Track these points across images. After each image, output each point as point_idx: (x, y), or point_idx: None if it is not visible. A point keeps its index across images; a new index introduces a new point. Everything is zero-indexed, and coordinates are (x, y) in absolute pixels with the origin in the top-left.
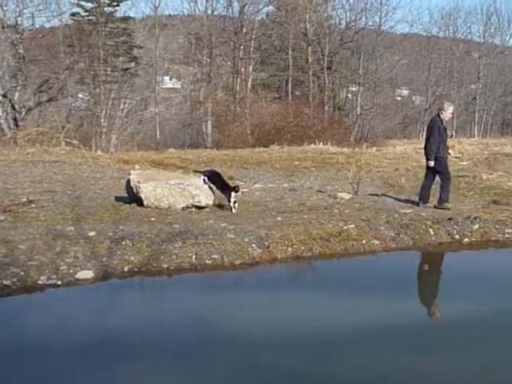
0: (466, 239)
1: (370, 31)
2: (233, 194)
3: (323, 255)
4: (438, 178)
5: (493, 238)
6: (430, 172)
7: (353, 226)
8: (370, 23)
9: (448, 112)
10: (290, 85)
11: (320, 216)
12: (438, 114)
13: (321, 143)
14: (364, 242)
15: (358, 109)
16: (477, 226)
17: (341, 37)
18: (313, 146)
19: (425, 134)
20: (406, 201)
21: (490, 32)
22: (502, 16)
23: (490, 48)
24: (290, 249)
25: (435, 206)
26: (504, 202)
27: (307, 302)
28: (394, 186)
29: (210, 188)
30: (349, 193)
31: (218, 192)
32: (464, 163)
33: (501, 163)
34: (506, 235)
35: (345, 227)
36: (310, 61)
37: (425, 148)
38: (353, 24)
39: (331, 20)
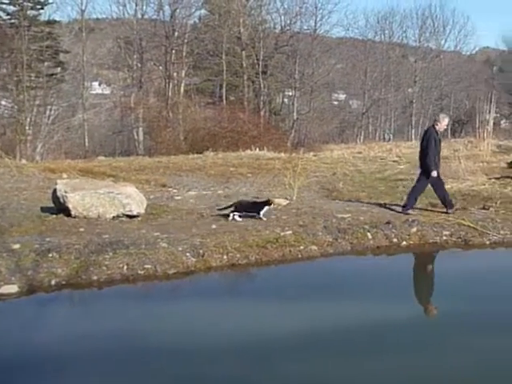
0: (404, 242)
1: (306, 35)
2: (266, 207)
3: (260, 262)
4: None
5: (430, 241)
6: (424, 180)
7: (290, 231)
8: (306, 27)
9: (443, 124)
10: (224, 90)
11: (256, 222)
12: (433, 126)
13: (257, 149)
14: (302, 247)
15: (295, 113)
16: (415, 229)
17: (276, 41)
18: (248, 151)
19: (419, 145)
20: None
21: (426, 36)
22: (437, 20)
23: (425, 52)
24: (225, 257)
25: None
26: (440, 204)
27: (242, 310)
28: (332, 190)
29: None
30: (286, 198)
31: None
32: (402, 166)
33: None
34: (444, 237)
35: (282, 233)
36: (244, 65)
37: (420, 159)
38: (288, 28)
39: (266, 24)
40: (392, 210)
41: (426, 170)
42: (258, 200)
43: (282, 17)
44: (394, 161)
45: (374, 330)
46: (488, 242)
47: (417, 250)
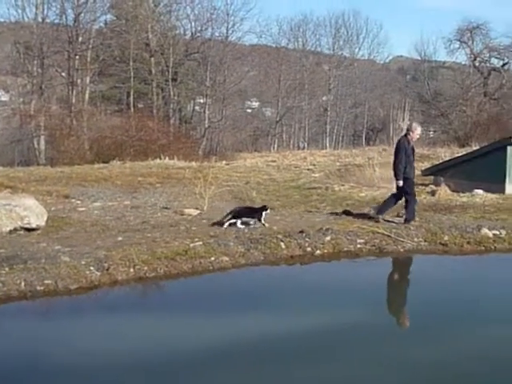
0: (318, 251)
1: (217, 42)
2: (264, 213)
3: (169, 275)
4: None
5: (345, 249)
6: (399, 191)
7: (200, 242)
8: (217, 34)
9: (415, 133)
10: (132, 97)
11: (165, 234)
12: (406, 135)
13: (166, 158)
14: (212, 259)
15: (206, 121)
16: (329, 238)
17: (186, 47)
18: (158, 160)
19: (393, 154)
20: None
21: (340, 44)
22: (351, 29)
23: (339, 60)
24: (132, 270)
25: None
26: (355, 212)
27: (148, 325)
28: (245, 199)
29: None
30: (196, 208)
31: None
32: (316, 175)
33: (352, 174)
34: (358, 245)
35: (192, 244)
36: (153, 72)
37: (393, 168)
38: (199, 34)
39: (175, 30)
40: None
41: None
42: (255, 206)
43: (193, 23)
44: (308, 169)
45: (288, 339)
46: (402, 250)
47: (331, 259)
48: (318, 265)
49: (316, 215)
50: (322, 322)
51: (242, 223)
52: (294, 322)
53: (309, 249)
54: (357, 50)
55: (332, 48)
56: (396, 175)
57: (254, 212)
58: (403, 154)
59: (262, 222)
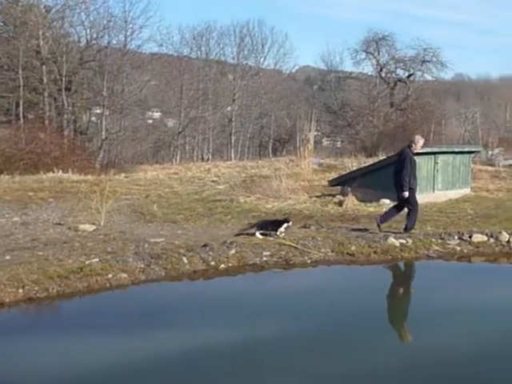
0: (223, 265)
1: (115, 50)
2: (285, 224)
3: (62, 295)
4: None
5: (250, 262)
6: (401, 202)
7: (97, 259)
8: (115, 42)
9: (418, 145)
10: (21, 107)
11: (58, 251)
12: (409, 146)
13: (60, 171)
14: (110, 276)
15: (104, 133)
16: (233, 251)
17: (81, 55)
18: (51, 174)
19: (394, 165)
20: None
21: (244, 54)
22: (256, 38)
23: (244, 70)
24: (21, 290)
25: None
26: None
27: (37, 349)
28: (145, 213)
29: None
30: (93, 224)
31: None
32: (221, 187)
33: (258, 186)
34: (264, 258)
35: (87, 262)
36: (45, 81)
37: (395, 180)
38: (94, 42)
39: (69, 37)
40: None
41: (399, 191)
42: (278, 218)
43: (88, 30)
44: (212, 181)
45: (194, 356)
46: (309, 261)
47: (235, 273)
48: (222, 279)
49: (220, 228)
50: (225, 337)
51: (262, 234)
52: (196, 338)
53: (212, 263)
54: (262, 59)
55: (237, 57)
56: (402, 186)
57: (276, 223)
58: (408, 165)
59: (278, 233)
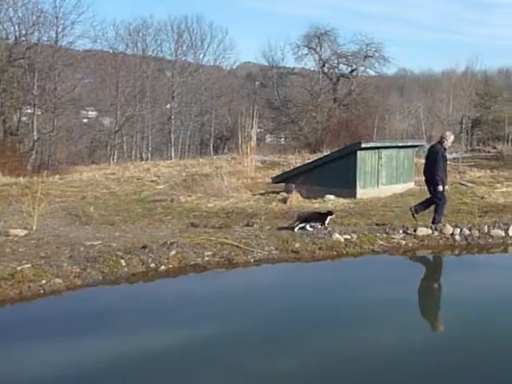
0: (163, 267)
1: (46, 47)
2: (329, 217)
3: None
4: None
5: (192, 263)
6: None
7: (29, 265)
8: (45, 38)
9: (449, 141)
10: None
11: None
12: (440, 142)
13: None
14: (43, 282)
15: (35, 133)
16: (174, 252)
17: (9, 53)
18: None
19: (425, 161)
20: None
21: (183, 50)
22: (195, 34)
23: (183, 66)
24: None
25: (431, 227)
26: (203, 224)
27: None
28: (81, 216)
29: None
30: (24, 228)
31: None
32: (160, 187)
33: (199, 184)
34: (206, 258)
35: (19, 268)
36: None
37: (427, 174)
38: (24, 39)
39: None
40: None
41: (432, 184)
42: (321, 211)
43: (17, 26)
44: (152, 181)
45: (133, 361)
46: (253, 260)
47: (176, 274)
48: (163, 281)
49: (160, 229)
50: (166, 339)
51: (311, 226)
52: (136, 342)
53: (152, 265)
54: (201, 55)
55: (175, 54)
56: (436, 180)
57: (320, 216)
58: (441, 160)
59: (326, 225)
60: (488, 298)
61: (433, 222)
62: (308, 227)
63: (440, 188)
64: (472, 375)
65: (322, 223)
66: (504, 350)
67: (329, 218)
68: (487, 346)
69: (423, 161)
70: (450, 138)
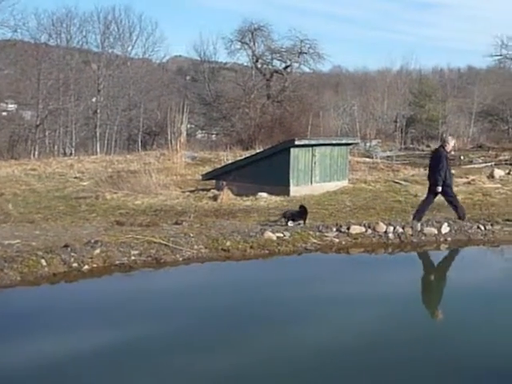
0: (87, 266)
1: None
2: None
3: None
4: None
5: (117, 262)
6: (433, 196)
7: None
8: None
9: (451, 145)
10: None
11: None
12: (443, 147)
13: None
14: None
15: None
16: (98, 251)
17: None
18: None
19: (429, 166)
20: None
21: (110, 42)
22: (123, 25)
23: (110, 59)
24: None
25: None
26: (129, 222)
27: None
28: None
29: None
30: None
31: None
32: (85, 183)
33: (126, 181)
34: (132, 257)
35: None
36: None
37: (430, 176)
38: None
39: None
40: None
41: (433, 185)
42: (299, 210)
43: None
44: (76, 177)
45: (57, 364)
46: (181, 259)
47: (101, 274)
48: (86, 282)
49: (84, 227)
50: (90, 342)
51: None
52: (58, 345)
53: (75, 264)
54: (130, 48)
55: (101, 46)
56: (436, 181)
57: (301, 214)
58: (445, 163)
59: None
60: (418, 295)
61: (460, 218)
62: (290, 223)
63: (439, 189)
64: (401, 372)
65: (304, 220)
66: (431, 347)
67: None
68: (415, 344)
69: (358, 159)
70: (451, 142)
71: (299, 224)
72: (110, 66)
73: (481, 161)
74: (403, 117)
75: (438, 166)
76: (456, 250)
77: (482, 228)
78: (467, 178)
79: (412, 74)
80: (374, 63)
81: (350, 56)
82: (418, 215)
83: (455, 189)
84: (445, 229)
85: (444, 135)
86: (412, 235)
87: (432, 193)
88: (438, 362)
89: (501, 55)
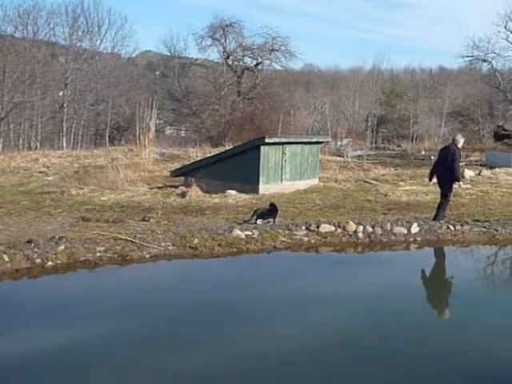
0: (50, 262)
1: None
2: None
3: None
4: None
5: (82, 259)
6: (450, 193)
7: None
8: None
9: (460, 143)
10: None
11: None
12: (454, 144)
13: None
14: None
15: None
16: (62, 247)
17: None
18: None
19: (436, 160)
20: None
21: (78, 35)
22: (91, 19)
23: (78, 52)
24: None
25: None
26: (95, 218)
27: None
28: None
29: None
30: None
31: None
32: (50, 178)
33: (93, 177)
34: (97, 254)
35: None
36: None
37: (440, 170)
38: None
39: None
40: None
41: (450, 180)
42: (270, 208)
43: None
44: (40, 172)
45: (17, 363)
46: (148, 256)
47: (65, 270)
48: (50, 278)
49: (48, 222)
50: (51, 340)
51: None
52: (19, 343)
53: (38, 260)
54: (98, 42)
55: (69, 39)
56: (456, 176)
57: (271, 212)
58: (459, 159)
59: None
60: (385, 294)
61: (434, 219)
62: (259, 221)
63: (462, 183)
64: (370, 368)
65: (274, 218)
66: (396, 345)
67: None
68: (382, 342)
69: (329, 157)
70: (461, 140)
71: (269, 222)
72: (78, 60)
73: None
74: (374, 116)
75: (452, 160)
76: (425, 250)
77: (452, 228)
78: None
79: (384, 74)
80: (345, 62)
81: (321, 54)
82: (441, 215)
83: (425, 189)
84: (414, 229)
85: (455, 135)
86: (382, 235)
87: (450, 190)
88: (405, 360)
89: (472, 56)
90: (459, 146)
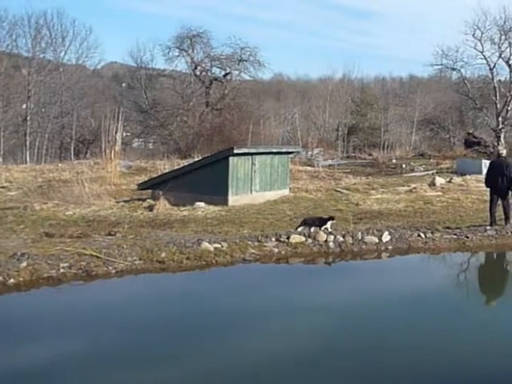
0: (12, 280)
1: None
2: (329, 222)
3: None
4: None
5: (45, 275)
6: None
7: None
8: None
9: (504, 153)
10: None
11: None
12: (504, 157)
13: None
14: None
15: None
16: (25, 264)
17: None
18: None
19: (490, 173)
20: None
21: (41, 46)
22: (55, 30)
23: (41, 64)
24: None
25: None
26: (59, 233)
27: None
28: None
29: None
30: None
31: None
32: (13, 193)
33: (57, 191)
34: (61, 270)
35: None
36: None
37: (499, 183)
38: None
39: None
40: None
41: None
42: (324, 217)
43: None
44: (3, 187)
45: None
46: (114, 271)
47: (28, 288)
48: (11, 296)
49: (11, 238)
50: (25, 358)
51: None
52: None
53: (0, 278)
54: (62, 53)
55: (32, 50)
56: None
57: (322, 221)
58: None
59: (328, 227)
60: (357, 304)
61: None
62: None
63: None
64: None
65: (320, 226)
66: (369, 354)
67: (329, 222)
68: (355, 351)
69: (299, 167)
70: (503, 152)
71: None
72: (42, 72)
73: (422, 169)
74: (345, 125)
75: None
76: (396, 258)
77: (423, 236)
78: (409, 186)
79: (354, 83)
80: (315, 71)
81: (291, 63)
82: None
83: (396, 197)
84: (385, 237)
85: (498, 149)
86: (352, 244)
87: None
88: (376, 370)
89: (441, 65)
90: (503, 155)
